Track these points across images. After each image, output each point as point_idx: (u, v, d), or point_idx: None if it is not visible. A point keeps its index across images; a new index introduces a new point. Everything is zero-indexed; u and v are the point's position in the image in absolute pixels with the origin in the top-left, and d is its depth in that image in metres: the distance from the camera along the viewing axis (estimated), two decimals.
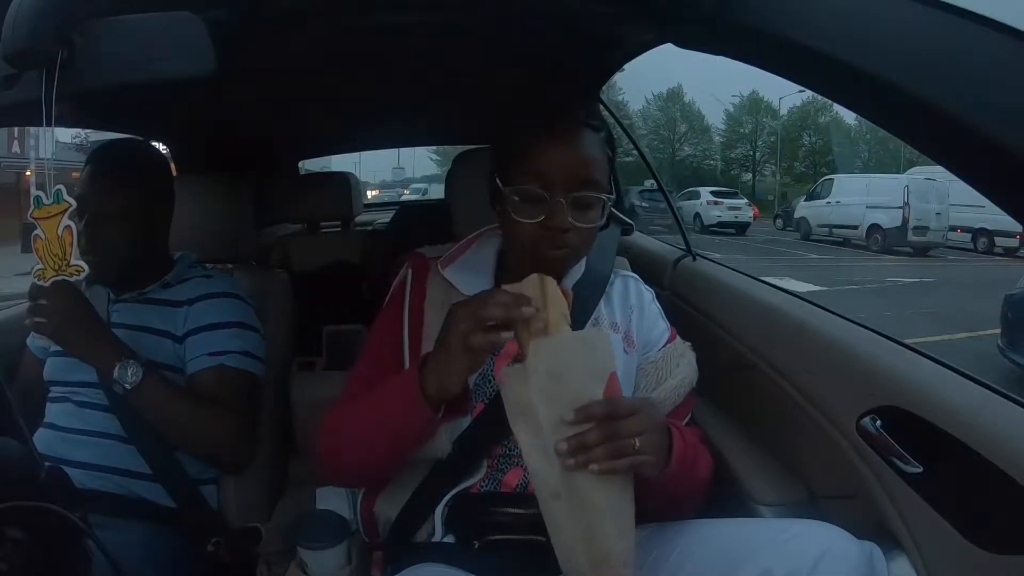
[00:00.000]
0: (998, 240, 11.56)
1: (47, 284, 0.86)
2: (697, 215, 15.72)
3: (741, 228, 15.80)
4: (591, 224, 0.79)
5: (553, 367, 0.63)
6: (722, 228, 15.49)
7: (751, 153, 28.82)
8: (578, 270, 0.89)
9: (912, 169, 13.75)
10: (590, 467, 0.62)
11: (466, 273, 0.87)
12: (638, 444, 0.64)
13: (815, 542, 0.67)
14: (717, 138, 29.49)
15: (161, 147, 1.91)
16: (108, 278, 1.08)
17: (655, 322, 0.92)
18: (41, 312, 0.92)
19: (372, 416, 0.77)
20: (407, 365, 0.84)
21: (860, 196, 12.64)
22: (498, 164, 0.83)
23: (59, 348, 1.07)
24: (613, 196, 0.80)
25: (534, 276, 0.67)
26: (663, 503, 0.76)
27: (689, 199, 16.21)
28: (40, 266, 0.84)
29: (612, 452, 0.63)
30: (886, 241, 12.02)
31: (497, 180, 0.81)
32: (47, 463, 0.60)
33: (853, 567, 0.66)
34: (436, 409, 0.71)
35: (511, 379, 0.65)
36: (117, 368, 0.96)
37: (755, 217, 16.63)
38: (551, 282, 0.66)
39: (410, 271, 0.91)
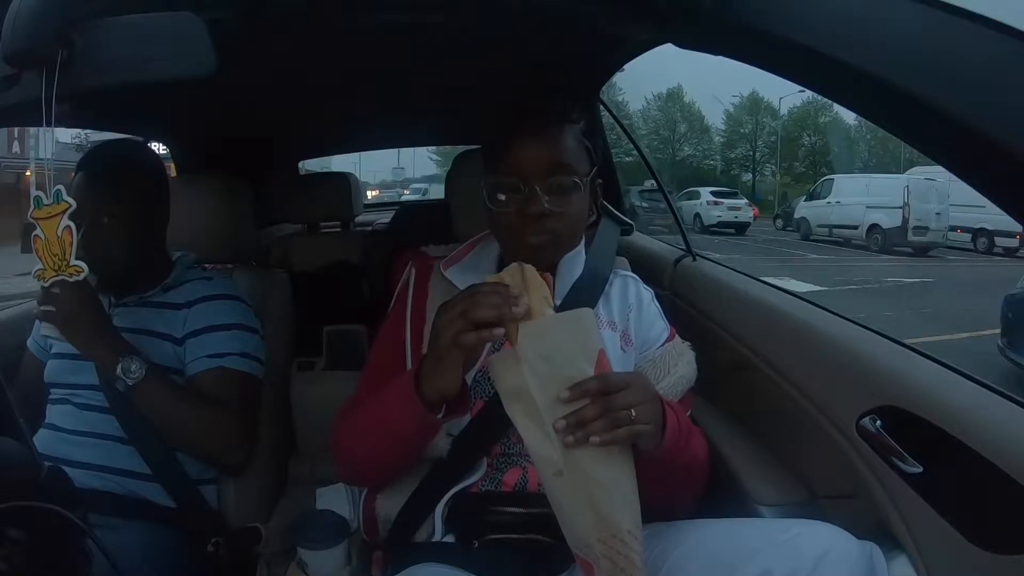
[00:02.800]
0: (998, 240, 11.55)
1: (47, 284, 0.87)
2: (697, 215, 15.71)
3: (741, 228, 15.79)
4: (568, 208, 0.81)
5: (543, 350, 0.64)
6: (722, 228, 15.47)
7: (751, 153, 28.79)
8: (577, 269, 0.90)
9: (912, 169, 13.74)
10: (591, 440, 0.63)
11: (467, 274, 0.88)
12: (634, 414, 0.65)
13: (815, 542, 0.67)
14: (717, 138, 29.47)
15: (161, 147, 1.92)
16: (108, 283, 1.08)
17: (653, 321, 0.93)
18: (52, 301, 0.92)
19: (375, 423, 0.78)
20: (410, 368, 0.85)
21: (860, 196, 12.63)
22: (484, 166, 0.86)
23: (59, 350, 1.07)
24: (587, 179, 0.83)
25: (514, 265, 0.69)
26: (664, 483, 0.75)
27: (689, 199, 16.20)
28: (40, 266, 0.84)
29: (610, 424, 0.64)
30: (886, 241, 12.01)
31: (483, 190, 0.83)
32: (47, 463, 0.60)
33: (853, 567, 0.66)
34: (435, 411, 0.72)
35: (503, 365, 0.66)
36: (120, 364, 0.96)
37: (755, 217, 16.61)
38: (530, 268, 0.68)
39: (413, 271, 0.92)
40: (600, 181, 0.87)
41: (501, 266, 0.90)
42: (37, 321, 0.99)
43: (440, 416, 0.73)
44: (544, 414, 0.64)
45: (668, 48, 0.86)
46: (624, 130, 2.03)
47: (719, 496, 0.91)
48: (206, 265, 1.26)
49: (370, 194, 11.52)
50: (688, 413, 0.90)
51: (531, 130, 0.81)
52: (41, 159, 0.79)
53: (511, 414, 0.66)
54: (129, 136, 1.54)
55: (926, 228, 11.71)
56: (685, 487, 0.82)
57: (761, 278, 1.25)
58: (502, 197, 0.81)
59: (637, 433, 0.66)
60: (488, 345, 0.83)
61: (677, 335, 0.94)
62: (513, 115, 0.84)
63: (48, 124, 0.58)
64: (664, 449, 0.70)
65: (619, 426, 0.64)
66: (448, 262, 0.90)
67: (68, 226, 0.79)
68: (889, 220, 11.99)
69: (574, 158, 0.82)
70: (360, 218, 2.55)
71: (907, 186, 11.94)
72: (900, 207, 11.74)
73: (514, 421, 0.66)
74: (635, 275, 0.98)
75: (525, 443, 0.66)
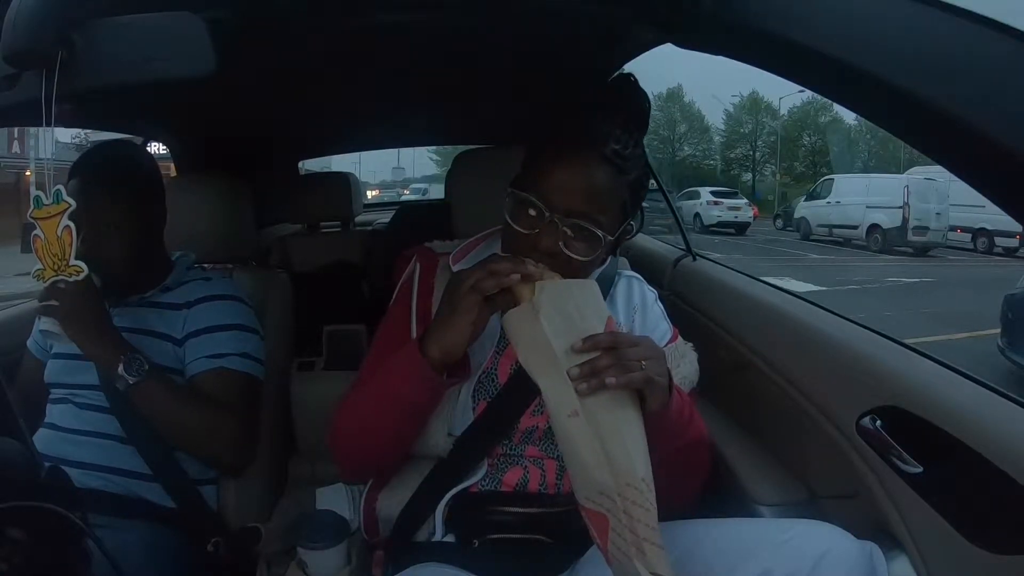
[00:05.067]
0: (998, 240, 11.56)
1: (47, 284, 0.87)
2: (697, 215, 15.72)
3: (741, 228, 15.80)
4: (581, 257, 0.75)
5: (560, 306, 0.67)
6: (722, 228, 15.48)
7: (751, 153, 28.81)
8: None
9: (912, 169, 13.74)
10: (606, 381, 0.63)
11: None
12: (644, 365, 0.66)
13: (815, 542, 0.67)
14: (717, 138, 29.51)
15: (161, 147, 1.92)
16: (108, 285, 1.08)
17: (657, 323, 0.92)
18: (55, 296, 0.92)
19: (379, 395, 0.78)
20: None
21: (860, 196, 12.63)
22: (520, 169, 0.81)
23: (60, 350, 1.07)
24: (612, 238, 0.78)
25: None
26: (670, 460, 0.73)
27: (689, 199, 16.20)
28: (40, 266, 0.84)
29: (623, 371, 0.64)
30: (886, 241, 12.02)
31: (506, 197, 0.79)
32: (47, 463, 0.60)
33: (853, 567, 0.66)
34: (439, 373, 0.74)
35: (519, 319, 0.68)
36: (122, 363, 0.96)
37: (755, 217, 16.62)
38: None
39: (418, 266, 0.91)
40: (628, 232, 0.82)
41: None
42: (37, 320, 0.99)
43: (444, 378, 0.74)
44: (561, 360, 0.65)
45: (668, 48, 0.85)
46: None
47: (719, 496, 0.91)
48: (205, 265, 1.26)
49: (370, 194, 11.52)
50: None
51: (578, 164, 0.75)
52: (41, 159, 0.79)
53: (526, 365, 0.67)
54: (120, 137, 1.54)
55: (926, 228, 11.71)
56: (688, 470, 0.81)
57: (761, 278, 1.25)
58: (520, 215, 0.77)
59: (648, 379, 0.66)
60: (493, 347, 0.84)
61: (680, 336, 0.94)
62: (570, 138, 0.77)
63: (48, 124, 0.58)
64: (671, 412, 0.70)
65: (632, 371, 0.65)
66: (455, 258, 0.89)
67: (68, 226, 0.79)
68: (889, 220, 11.99)
69: (608, 211, 0.76)
70: (360, 218, 2.56)
71: (907, 186, 11.94)
72: (900, 207, 11.75)
73: (529, 371, 0.67)
74: (638, 275, 0.98)
75: (541, 390, 0.66)
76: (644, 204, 0.85)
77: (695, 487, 0.85)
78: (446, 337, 0.72)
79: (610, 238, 0.77)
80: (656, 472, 0.65)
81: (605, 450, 0.64)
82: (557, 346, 0.66)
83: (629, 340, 0.68)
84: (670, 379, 0.71)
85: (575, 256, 0.75)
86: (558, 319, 0.67)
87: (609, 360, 0.64)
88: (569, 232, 0.75)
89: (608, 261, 0.90)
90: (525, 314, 0.68)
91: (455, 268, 0.88)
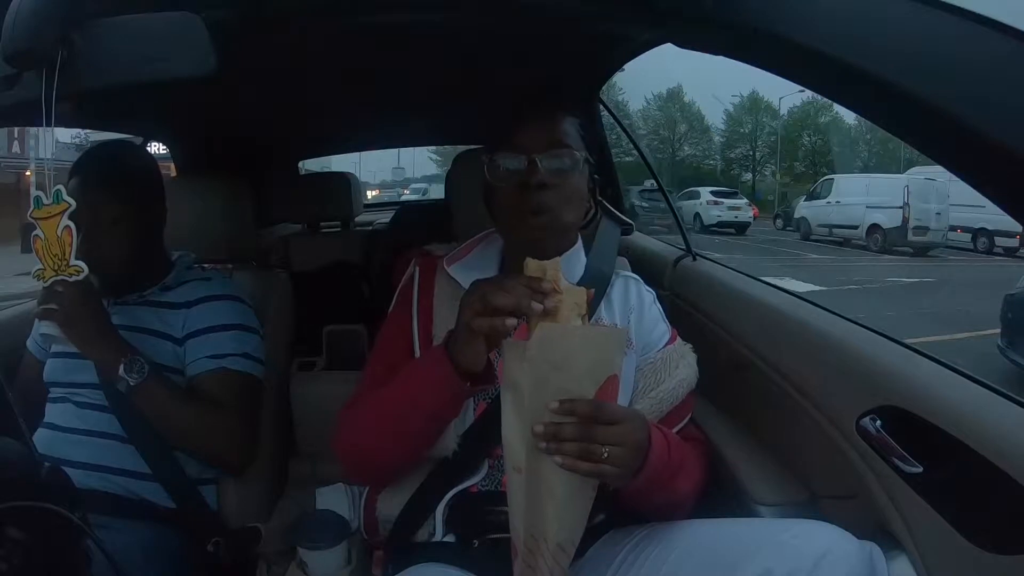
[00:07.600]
0: (998, 240, 11.55)
1: (47, 284, 0.87)
2: (697, 215, 15.71)
3: (741, 228, 15.79)
4: (566, 183, 0.81)
5: (551, 355, 0.64)
6: (722, 228, 15.47)
7: (751, 153, 28.77)
8: (579, 268, 0.90)
9: (912, 169, 13.73)
10: (554, 458, 0.64)
11: (471, 272, 0.88)
12: (606, 454, 0.65)
13: (815, 542, 0.67)
14: (717, 138, 29.49)
15: (161, 147, 1.92)
16: (107, 284, 1.08)
17: (655, 324, 0.93)
18: (53, 299, 0.92)
19: (399, 399, 0.78)
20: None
21: (860, 196, 12.63)
22: (488, 152, 0.86)
23: (59, 349, 1.07)
24: (585, 154, 0.84)
25: (557, 259, 0.69)
26: (635, 506, 0.78)
27: (689, 199, 16.19)
28: (40, 266, 0.84)
29: (580, 453, 0.64)
30: (886, 241, 12.02)
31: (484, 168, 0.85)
32: (47, 463, 0.60)
33: (853, 567, 0.66)
34: (464, 380, 0.74)
35: (510, 354, 0.66)
36: (123, 365, 0.96)
37: (755, 217, 16.61)
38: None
39: (417, 269, 0.92)
40: (597, 177, 0.89)
41: (504, 264, 0.90)
42: (37, 321, 0.99)
43: (468, 386, 0.74)
44: (528, 413, 0.64)
45: (668, 48, 0.86)
46: (624, 130, 2.03)
47: (719, 496, 0.91)
48: (205, 265, 1.26)
49: (370, 194, 11.52)
50: (689, 415, 0.91)
51: (533, 113, 0.85)
52: (41, 159, 0.79)
53: (502, 399, 0.67)
54: (122, 137, 1.54)
55: (926, 228, 11.71)
56: (665, 511, 0.81)
57: (761, 278, 1.25)
58: (502, 171, 0.82)
59: (600, 473, 0.66)
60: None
61: (679, 337, 0.94)
62: (517, 102, 0.87)
63: (48, 124, 0.58)
64: (649, 480, 0.71)
65: (587, 459, 0.65)
66: (451, 260, 0.90)
67: (68, 226, 0.79)
68: (889, 220, 11.98)
69: (573, 141, 0.84)
70: (360, 218, 2.56)
71: (907, 186, 11.94)
72: (900, 207, 11.74)
73: (502, 407, 0.67)
74: (637, 276, 0.98)
75: (502, 429, 0.66)
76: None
77: (680, 514, 0.84)
78: (462, 357, 0.72)
79: (583, 162, 0.84)
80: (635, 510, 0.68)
81: (534, 507, 0.65)
82: (530, 399, 0.64)
83: (610, 415, 0.66)
84: (649, 447, 0.71)
85: (560, 182, 0.81)
86: (545, 369, 0.64)
87: (574, 434, 0.64)
88: (548, 167, 0.81)
89: (601, 223, 0.95)
90: (516, 352, 0.65)
91: (450, 268, 0.89)
